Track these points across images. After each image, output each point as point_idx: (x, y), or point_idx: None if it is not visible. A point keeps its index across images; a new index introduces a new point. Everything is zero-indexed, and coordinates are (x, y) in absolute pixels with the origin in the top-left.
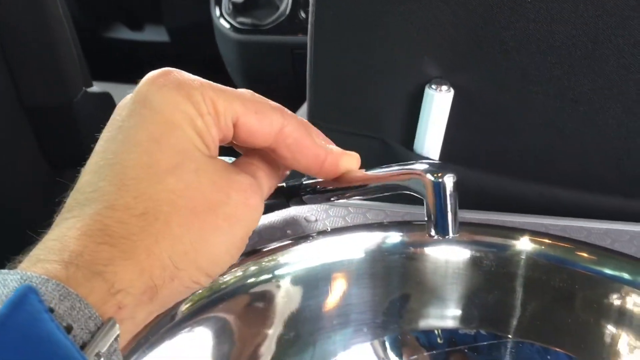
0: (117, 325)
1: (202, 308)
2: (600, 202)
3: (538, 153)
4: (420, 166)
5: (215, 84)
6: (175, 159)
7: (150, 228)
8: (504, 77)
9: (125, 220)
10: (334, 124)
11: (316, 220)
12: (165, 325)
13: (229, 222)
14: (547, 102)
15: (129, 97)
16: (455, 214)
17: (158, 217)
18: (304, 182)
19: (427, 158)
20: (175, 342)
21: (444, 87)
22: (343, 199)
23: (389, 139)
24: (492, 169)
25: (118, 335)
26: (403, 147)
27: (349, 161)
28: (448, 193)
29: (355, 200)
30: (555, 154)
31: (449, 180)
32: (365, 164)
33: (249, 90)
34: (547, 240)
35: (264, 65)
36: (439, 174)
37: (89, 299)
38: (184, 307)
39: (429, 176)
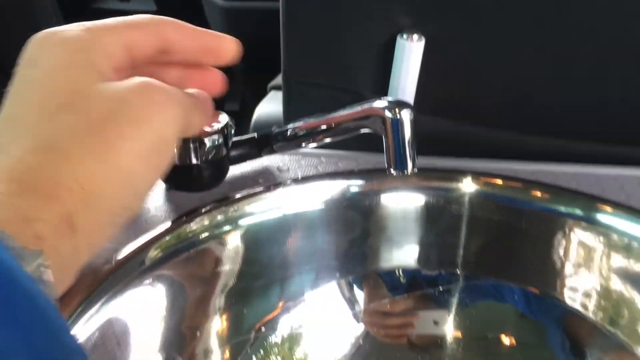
0: (40, 252)
1: (170, 254)
2: (569, 147)
3: (509, 101)
4: (379, 104)
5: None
6: (66, 93)
7: (52, 159)
8: (475, 26)
9: (26, 158)
10: (309, 79)
11: (288, 170)
12: (134, 270)
13: (133, 127)
14: (517, 50)
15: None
16: (413, 150)
17: (57, 148)
18: (274, 131)
19: None
20: (144, 289)
21: (415, 37)
22: (312, 143)
23: (363, 91)
24: (465, 118)
25: (43, 264)
26: (377, 98)
27: (226, 40)
28: (405, 129)
29: (328, 150)
30: (526, 102)
31: (405, 117)
32: None
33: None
34: (498, 181)
35: (253, 32)
36: (396, 110)
37: (4, 228)
38: (152, 254)
39: (387, 113)
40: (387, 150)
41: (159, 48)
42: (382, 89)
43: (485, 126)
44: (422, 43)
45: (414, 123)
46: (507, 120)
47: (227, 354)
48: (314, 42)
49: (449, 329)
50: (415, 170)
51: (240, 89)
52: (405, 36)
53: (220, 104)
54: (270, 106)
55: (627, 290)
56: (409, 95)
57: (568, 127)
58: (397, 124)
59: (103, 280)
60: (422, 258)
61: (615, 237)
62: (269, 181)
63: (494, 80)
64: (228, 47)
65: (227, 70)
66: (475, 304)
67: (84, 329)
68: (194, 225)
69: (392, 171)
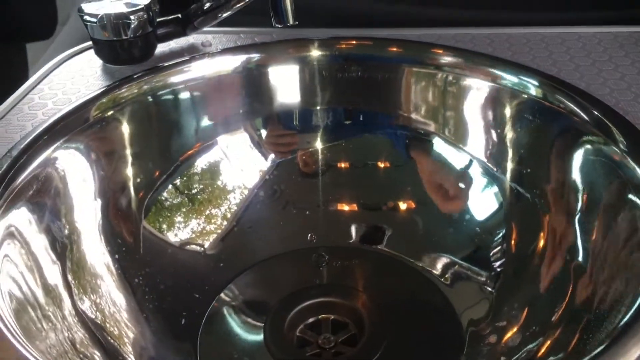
0: None
1: (108, 115)
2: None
3: None
4: None
5: None
6: None
7: None
8: None
9: None
10: None
11: (210, 45)
12: (78, 126)
13: None
14: None
15: None
16: (291, 7)
17: None
18: (192, 8)
19: None
20: (88, 142)
21: None
22: (225, 12)
23: None
24: None
25: None
26: None
27: None
28: None
29: (247, 28)
30: None
31: None
32: None
33: None
34: (354, 42)
35: None
36: None
37: None
38: (93, 113)
39: None
40: (271, 7)
41: None
42: None
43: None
44: None
45: None
46: None
47: (158, 177)
48: None
49: (329, 159)
50: (296, 22)
51: None
52: None
53: None
54: None
55: (452, 106)
56: None
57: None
58: None
59: (50, 131)
60: (310, 101)
61: (440, 74)
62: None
63: None
64: None
65: None
66: (355, 137)
67: (36, 169)
68: (126, 91)
69: (276, 25)
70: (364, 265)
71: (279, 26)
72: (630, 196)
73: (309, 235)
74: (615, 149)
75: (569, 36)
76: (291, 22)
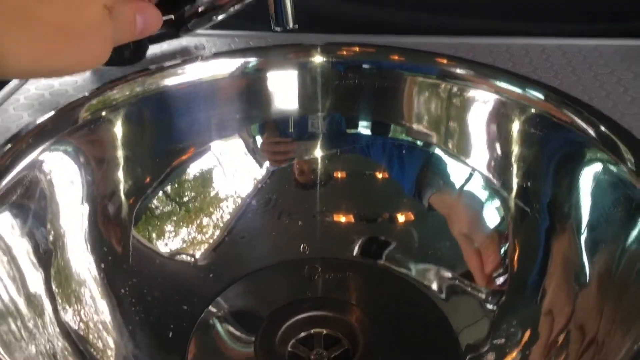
0: None
1: (97, 117)
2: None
3: None
4: None
5: None
6: None
7: None
8: None
9: None
10: None
11: (204, 48)
12: (66, 128)
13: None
14: None
15: None
16: (291, 10)
17: None
18: (186, 9)
19: None
20: (76, 144)
21: None
22: (220, 14)
23: None
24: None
25: None
26: None
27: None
28: None
29: (241, 31)
30: None
31: None
32: None
33: None
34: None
35: None
36: None
37: None
38: (83, 114)
39: None
40: (270, 10)
41: None
42: None
43: (387, 6)
44: None
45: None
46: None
47: (149, 183)
48: None
49: (326, 169)
50: (296, 26)
51: None
52: None
53: None
54: None
55: (455, 117)
56: None
57: (462, 3)
58: None
59: (38, 132)
60: (309, 108)
61: (443, 85)
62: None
63: None
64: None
65: None
66: (353, 146)
67: (21, 172)
68: (117, 93)
69: (276, 28)
70: (359, 278)
71: (278, 29)
72: (637, 216)
73: (302, 245)
74: (623, 167)
75: (570, 48)
76: (291, 25)
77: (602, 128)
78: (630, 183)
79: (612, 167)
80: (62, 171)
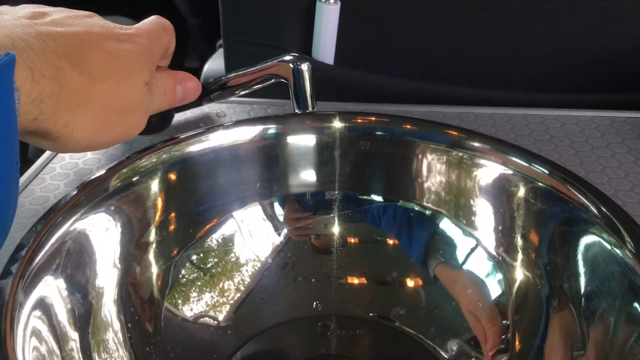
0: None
1: (127, 184)
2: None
3: (416, 53)
4: (286, 58)
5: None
6: None
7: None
8: None
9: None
10: (245, 37)
11: (225, 115)
12: (99, 195)
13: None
14: (421, 11)
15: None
16: (312, 93)
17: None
18: (210, 82)
19: (324, 63)
20: (107, 212)
21: (332, 0)
22: (243, 90)
23: (291, 48)
24: (377, 69)
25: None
26: (303, 54)
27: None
28: (304, 77)
29: (260, 99)
30: (430, 54)
31: (305, 67)
32: None
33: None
34: (373, 118)
35: None
36: (298, 63)
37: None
38: (113, 183)
39: (291, 65)
40: (292, 94)
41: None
42: (307, 47)
43: (394, 76)
44: (338, 6)
45: (313, 72)
46: (412, 70)
47: (175, 254)
48: (249, 5)
49: (340, 235)
50: (315, 109)
51: (198, 46)
52: (323, 0)
53: (180, 61)
54: (217, 62)
55: (463, 188)
56: (329, 51)
57: (465, 74)
58: (298, 72)
59: (72, 202)
60: (325, 182)
61: (453, 153)
62: (208, 125)
63: (401, 35)
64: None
65: (185, 28)
66: (365, 213)
67: (57, 242)
68: (145, 161)
69: (297, 110)
70: (369, 336)
71: (299, 112)
72: (636, 303)
73: (315, 303)
74: (627, 251)
75: (568, 119)
76: (310, 108)
77: (605, 210)
78: (631, 267)
79: (615, 249)
80: (92, 240)
